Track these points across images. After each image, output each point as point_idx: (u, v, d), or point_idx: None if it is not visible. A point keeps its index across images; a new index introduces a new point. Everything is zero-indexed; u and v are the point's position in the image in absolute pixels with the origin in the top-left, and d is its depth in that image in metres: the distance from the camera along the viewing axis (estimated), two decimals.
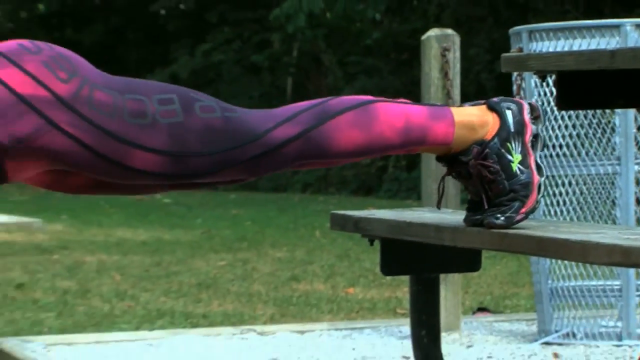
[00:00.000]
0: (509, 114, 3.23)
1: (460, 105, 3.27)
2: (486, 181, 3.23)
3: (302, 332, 5.96)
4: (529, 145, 3.25)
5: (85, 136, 2.77)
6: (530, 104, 3.26)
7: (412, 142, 3.13)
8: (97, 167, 2.82)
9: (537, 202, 3.28)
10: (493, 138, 3.18)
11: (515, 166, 3.21)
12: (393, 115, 3.08)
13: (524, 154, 3.24)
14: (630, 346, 5.27)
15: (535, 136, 3.27)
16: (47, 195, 17.66)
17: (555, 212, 5.44)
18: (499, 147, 3.19)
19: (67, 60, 2.84)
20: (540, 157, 5.23)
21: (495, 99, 3.25)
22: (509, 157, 3.20)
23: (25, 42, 2.82)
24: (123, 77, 2.88)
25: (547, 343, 5.50)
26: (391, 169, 19.14)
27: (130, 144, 2.80)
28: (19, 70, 2.75)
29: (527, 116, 3.26)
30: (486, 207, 3.26)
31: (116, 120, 2.78)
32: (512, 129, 3.22)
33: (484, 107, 3.22)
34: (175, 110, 2.85)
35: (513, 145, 3.22)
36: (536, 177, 3.25)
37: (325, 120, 3.01)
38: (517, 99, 3.31)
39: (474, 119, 3.19)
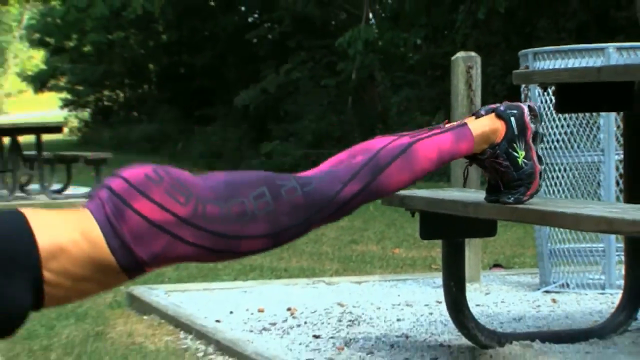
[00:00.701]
0: (513, 120, 3.26)
1: (478, 116, 3.29)
2: (499, 172, 3.30)
3: (359, 283, 5.96)
4: (530, 141, 3.29)
5: (203, 241, 2.83)
6: (529, 106, 3.29)
7: (444, 163, 3.21)
8: (214, 258, 2.94)
9: (540, 186, 3.35)
10: (502, 141, 3.24)
11: (521, 160, 3.26)
12: (428, 151, 3.11)
13: (527, 150, 3.28)
14: (611, 294, 5.24)
15: (535, 133, 3.30)
16: None
17: (553, 191, 5.41)
18: (507, 147, 3.24)
19: (183, 184, 2.87)
20: (543, 149, 5.23)
21: (501, 108, 3.27)
22: (515, 154, 3.25)
23: (149, 171, 2.85)
24: (224, 181, 2.94)
25: (547, 291, 5.48)
26: None
27: (238, 238, 2.88)
28: (148, 200, 2.79)
29: (527, 118, 3.29)
30: (502, 189, 3.36)
31: (225, 224, 2.85)
32: (516, 132, 3.25)
33: (493, 115, 3.25)
34: (267, 201, 2.89)
35: (518, 144, 3.26)
36: (538, 167, 3.31)
37: (379, 173, 3.04)
38: (518, 103, 3.35)
39: (487, 129, 3.23)
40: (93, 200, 2.80)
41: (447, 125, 3.26)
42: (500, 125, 3.23)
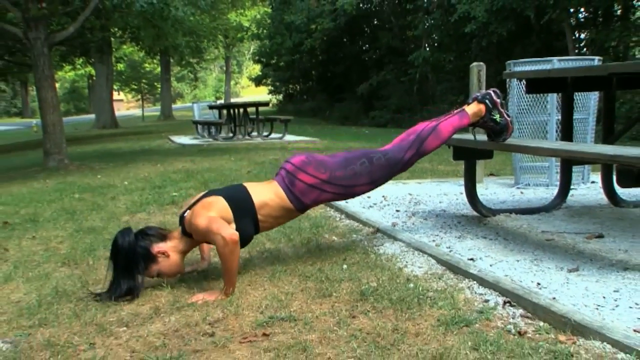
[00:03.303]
0: (487, 100, 3.29)
1: (469, 103, 3.34)
2: (489, 128, 3.36)
3: (420, 183, 5.89)
4: (500, 107, 3.31)
5: (335, 190, 2.97)
6: (494, 90, 3.32)
7: (456, 131, 3.26)
8: (341, 198, 3.04)
9: (512, 131, 3.37)
10: (485, 113, 3.28)
11: (499, 119, 3.29)
12: (447, 127, 3.20)
13: (499, 112, 3.30)
14: (552, 189, 5.09)
15: (501, 103, 3.31)
16: (320, 132, 17.49)
17: (523, 135, 5.25)
18: (489, 115, 3.28)
19: (322, 163, 2.98)
20: (517, 113, 5.02)
21: (479, 96, 3.32)
22: (494, 117, 3.28)
23: (304, 158, 2.98)
24: (343, 157, 3.03)
25: (518, 188, 5.36)
26: None
27: (354, 186, 2.99)
28: (305, 174, 2.94)
29: (494, 97, 3.31)
30: (493, 136, 3.42)
31: (346, 180, 2.96)
32: (491, 106, 3.29)
33: (476, 102, 3.30)
34: (366, 165, 3.00)
35: (494, 111, 3.29)
36: (508, 119, 3.33)
37: (423, 142, 3.14)
38: (488, 90, 3.36)
39: (475, 109, 3.28)
40: (278, 175, 2.98)
41: (455, 111, 3.32)
42: (482, 106, 3.32)
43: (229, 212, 2.78)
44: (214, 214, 2.75)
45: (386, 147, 3.14)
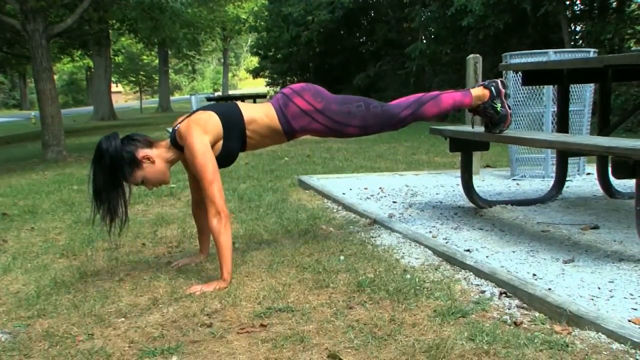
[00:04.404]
0: (493, 88, 3.25)
1: (475, 87, 3.31)
2: (488, 117, 3.30)
3: (417, 174, 5.88)
4: (503, 98, 3.26)
5: (327, 123, 2.95)
6: (501, 80, 3.29)
7: (456, 107, 3.20)
8: (330, 134, 2.99)
9: (510, 122, 3.32)
10: (488, 100, 3.23)
11: (499, 109, 3.24)
12: (448, 99, 3.15)
13: (502, 102, 3.25)
14: (547, 180, 5.08)
15: (505, 94, 3.27)
16: None
17: (519, 127, 5.24)
18: (491, 102, 3.23)
19: (320, 92, 2.98)
20: (513, 105, 5.03)
21: (486, 82, 3.29)
22: (495, 106, 3.23)
23: (304, 85, 3.00)
24: (342, 96, 3.03)
25: (514, 179, 5.36)
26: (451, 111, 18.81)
27: (345, 125, 2.96)
28: (302, 98, 2.92)
29: (500, 86, 3.26)
30: (490, 127, 3.36)
31: (339, 116, 2.94)
32: (495, 94, 3.23)
33: (482, 87, 3.26)
34: (362, 109, 2.98)
35: (496, 100, 3.23)
36: (509, 111, 3.28)
37: (422, 105, 3.10)
38: (495, 79, 3.36)
39: (479, 93, 3.23)
40: (272, 99, 2.99)
41: (459, 89, 3.31)
42: (487, 92, 3.28)
43: (220, 130, 2.80)
44: (208, 137, 2.75)
45: (387, 103, 3.15)
